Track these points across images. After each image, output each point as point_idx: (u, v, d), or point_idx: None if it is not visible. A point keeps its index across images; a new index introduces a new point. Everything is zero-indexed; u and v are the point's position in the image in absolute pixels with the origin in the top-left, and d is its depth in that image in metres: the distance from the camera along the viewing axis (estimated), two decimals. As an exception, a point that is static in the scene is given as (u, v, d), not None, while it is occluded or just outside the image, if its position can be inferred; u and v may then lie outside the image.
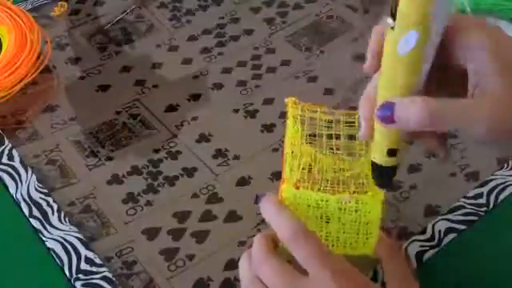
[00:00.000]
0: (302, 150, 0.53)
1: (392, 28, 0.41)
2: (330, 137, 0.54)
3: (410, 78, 0.42)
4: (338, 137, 0.54)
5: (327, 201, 0.50)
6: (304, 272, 0.46)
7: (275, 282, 0.47)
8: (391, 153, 0.45)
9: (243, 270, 0.50)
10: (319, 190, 0.50)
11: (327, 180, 0.51)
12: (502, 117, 0.41)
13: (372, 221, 0.51)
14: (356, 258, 0.51)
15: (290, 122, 0.54)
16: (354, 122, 0.54)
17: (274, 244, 0.49)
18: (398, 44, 0.41)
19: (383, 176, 0.47)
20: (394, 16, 0.41)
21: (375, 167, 0.47)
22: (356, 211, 0.50)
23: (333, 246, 0.52)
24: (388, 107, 0.42)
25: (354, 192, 0.50)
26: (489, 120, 0.41)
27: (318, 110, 0.55)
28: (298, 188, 0.50)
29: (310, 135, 0.54)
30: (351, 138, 0.54)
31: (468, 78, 0.43)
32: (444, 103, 0.42)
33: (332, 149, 0.54)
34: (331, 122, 0.54)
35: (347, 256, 0.50)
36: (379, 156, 0.46)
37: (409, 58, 0.41)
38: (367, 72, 0.46)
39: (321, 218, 0.51)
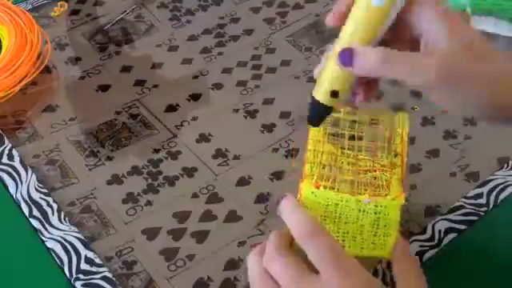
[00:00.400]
0: (323, 149, 0.53)
1: None
2: (352, 137, 0.55)
3: (376, 29, 0.47)
4: (360, 138, 0.54)
5: (347, 201, 0.50)
6: (316, 271, 0.46)
7: (284, 277, 0.47)
8: (334, 94, 0.49)
9: (252, 265, 0.49)
10: (338, 190, 0.50)
11: (346, 180, 0.51)
12: (450, 65, 0.46)
13: (390, 223, 0.51)
14: (363, 257, 0.51)
15: None
16: (376, 123, 0.55)
17: (290, 242, 0.49)
18: None
19: (318, 113, 0.51)
20: None
21: (314, 103, 0.50)
22: (375, 213, 0.50)
23: (349, 246, 0.52)
24: (349, 51, 0.47)
25: (373, 194, 0.50)
26: (438, 66, 0.46)
27: (342, 110, 0.55)
28: (318, 187, 0.50)
29: (332, 135, 0.54)
30: (373, 138, 0.54)
31: (421, 39, 0.48)
32: (399, 52, 0.47)
33: (353, 149, 0.54)
34: (355, 122, 0.55)
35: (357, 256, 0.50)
36: (322, 94, 0.50)
37: (381, 10, 0.46)
38: (328, 22, 0.50)
39: (339, 218, 0.51)
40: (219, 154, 0.70)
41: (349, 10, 0.48)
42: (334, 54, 0.48)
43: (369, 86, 0.52)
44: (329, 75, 0.49)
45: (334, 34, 0.50)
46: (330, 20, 0.50)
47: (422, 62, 0.47)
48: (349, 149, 0.54)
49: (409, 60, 0.47)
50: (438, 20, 0.47)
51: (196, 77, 0.79)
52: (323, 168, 0.52)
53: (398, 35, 0.49)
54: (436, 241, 0.61)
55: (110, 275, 0.59)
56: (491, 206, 0.64)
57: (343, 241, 0.52)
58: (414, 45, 0.49)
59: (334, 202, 0.50)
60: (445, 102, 0.48)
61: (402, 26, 0.48)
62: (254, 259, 0.49)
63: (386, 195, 0.50)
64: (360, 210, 0.50)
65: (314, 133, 0.54)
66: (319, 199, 0.50)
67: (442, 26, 0.47)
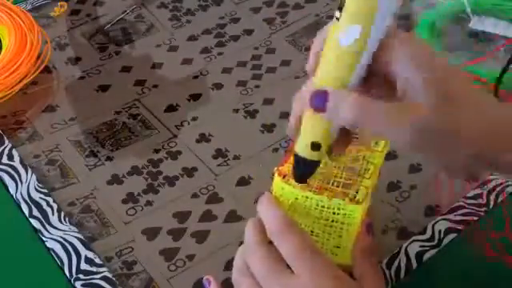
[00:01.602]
0: None
1: (338, 19, 0.43)
2: None
3: (348, 71, 0.43)
4: None
5: (310, 199, 0.50)
6: None
7: (256, 269, 0.47)
8: (315, 146, 0.46)
9: (236, 258, 0.50)
10: (308, 186, 0.50)
11: (322, 178, 0.52)
12: (424, 125, 0.42)
13: (348, 228, 0.50)
14: None
15: None
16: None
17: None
18: (341, 35, 0.43)
19: (304, 169, 0.48)
20: (341, 9, 0.43)
21: (298, 159, 0.47)
22: (334, 214, 0.50)
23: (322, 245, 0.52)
24: (322, 95, 0.44)
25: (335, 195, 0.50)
26: (411, 126, 0.42)
27: None
28: (284, 176, 0.50)
29: None
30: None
31: (397, 87, 0.44)
32: (374, 100, 0.43)
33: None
34: None
35: None
36: (303, 149, 0.47)
37: (349, 50, 0.43)
38: (309, 71, 0.47)
39: (307, 215, 0.51)
40: (219, 154, 0.70)
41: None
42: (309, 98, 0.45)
43: (344, 137, 0.48)
44: (306, 127, 0.46)
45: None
46: (310, 68, 0.47)
47: (399, 118, 0.43)
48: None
49: (383, 112, 0.43)
50: (412, 67, 0.43)
51: (196, 77, 0.79)
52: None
53: (374, 77, 0.45)
54: (436, 241, 0.61)
55: (110, 275, 0.59)
56: (491, 205, 0.64)
57: (317, 236, 0.52)
58: (391, 87, 0.45)
59: (299, 197, 0.50)
60: (424, 157, 0.47)
61: (376, 68, 0.45)
62: (238, 253, 0.50)
63: (350, 198, 0.49)
64: (319, 209, 0.50)
65: None
66: (288, 195, 0.50)
67: (416, 76, 0.43)
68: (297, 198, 0.50)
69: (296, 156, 0.48)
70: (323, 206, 0.50)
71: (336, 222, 0.50)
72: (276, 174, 0.51)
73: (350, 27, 0.43)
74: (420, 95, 0.43)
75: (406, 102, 0.43)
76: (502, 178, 0.65)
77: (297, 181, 0.49)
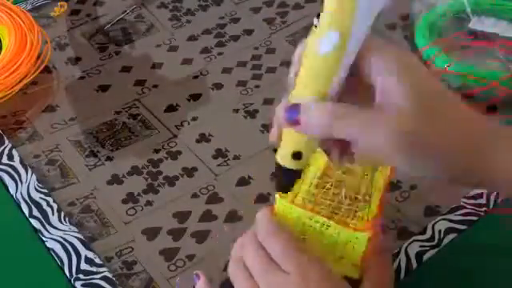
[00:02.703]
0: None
1: (316, 27, 0.42)
2: None
3: (325, 81, 0.42)
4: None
5: (313, 220, 0.50)
6: None
7: (254, 265, 0.49)
8: (296, 156, 0.45)
9: (234, 250, 0.52)
10: (312, 208, 0.50)
11: (326, 199, 0.51)
12: (400, 132, 0.41)
13: (354, 253, 0.50)
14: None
15: None
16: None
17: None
18: (319, 43, 0.42)
19: (286, 178, 0.47)
20: (319, 16, 0.42)
21: (279, 169, 0.47)
22: (339, 235, 0.50)
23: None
24: (295, 109, 0.43)
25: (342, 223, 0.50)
26: (385, 132, 0.41)
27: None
28: (292, 202, 0.50)
29: None
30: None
31: (375, 94, 0.43)
32: (349, 107, 0.42)
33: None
34: None
35: None
36: (284, 158, 0.46)
37: (327, 59, 0.42)
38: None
39: (309, 234, 0.51)
40: (219, 154, 0.70)
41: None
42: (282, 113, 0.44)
43: (342, 143, 0.45)
44: (286, 137, 0.45)
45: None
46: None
47: (373, 124, 0.41)
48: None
49: (359, 118, 0.42)
50: (392, 70, 0.42)
51: (196, 77, 0.79)
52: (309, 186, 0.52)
53: (354, 87, 0.44)
54: (436, 241, 0.61)
55: (110, 275, 0.59)
56: (491, 206, 0.64)
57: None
58: (369, 96, 0.43)
59: (302, 218, 0.50)
60: (398, 166, 0.45)
61: (357, 76, 0.43)
62: (235, 247, 0.52)
63: (355, 229, 0.49)
64: (321, 231, 0.50)
65: None
66: (291, 213, 0.50)
67: (396, 78, 0.42)
68: (298, 219, 0.50)
69: (278, 166, 0.47)
70: (327, 229, 0.50)
71: (339, 243, 0.50)
72: (278, 196, 0.50)
73: (328, 33, 0.41)
74: (399, 99, 0.41)
75: (383, 109, 0.42)
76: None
77: (280, 190, 0.49)
